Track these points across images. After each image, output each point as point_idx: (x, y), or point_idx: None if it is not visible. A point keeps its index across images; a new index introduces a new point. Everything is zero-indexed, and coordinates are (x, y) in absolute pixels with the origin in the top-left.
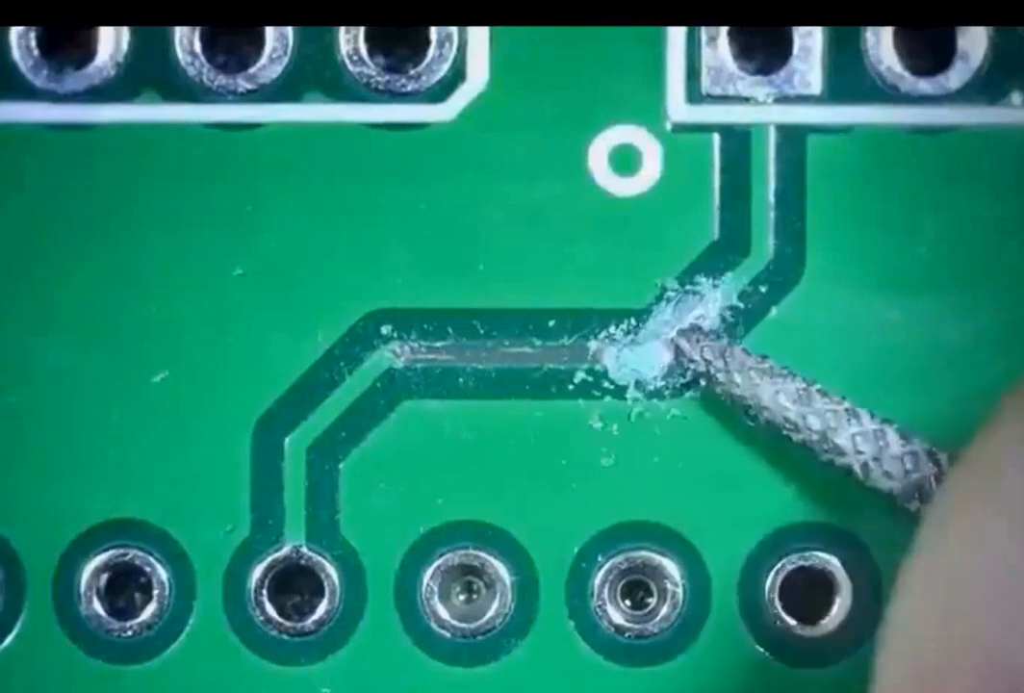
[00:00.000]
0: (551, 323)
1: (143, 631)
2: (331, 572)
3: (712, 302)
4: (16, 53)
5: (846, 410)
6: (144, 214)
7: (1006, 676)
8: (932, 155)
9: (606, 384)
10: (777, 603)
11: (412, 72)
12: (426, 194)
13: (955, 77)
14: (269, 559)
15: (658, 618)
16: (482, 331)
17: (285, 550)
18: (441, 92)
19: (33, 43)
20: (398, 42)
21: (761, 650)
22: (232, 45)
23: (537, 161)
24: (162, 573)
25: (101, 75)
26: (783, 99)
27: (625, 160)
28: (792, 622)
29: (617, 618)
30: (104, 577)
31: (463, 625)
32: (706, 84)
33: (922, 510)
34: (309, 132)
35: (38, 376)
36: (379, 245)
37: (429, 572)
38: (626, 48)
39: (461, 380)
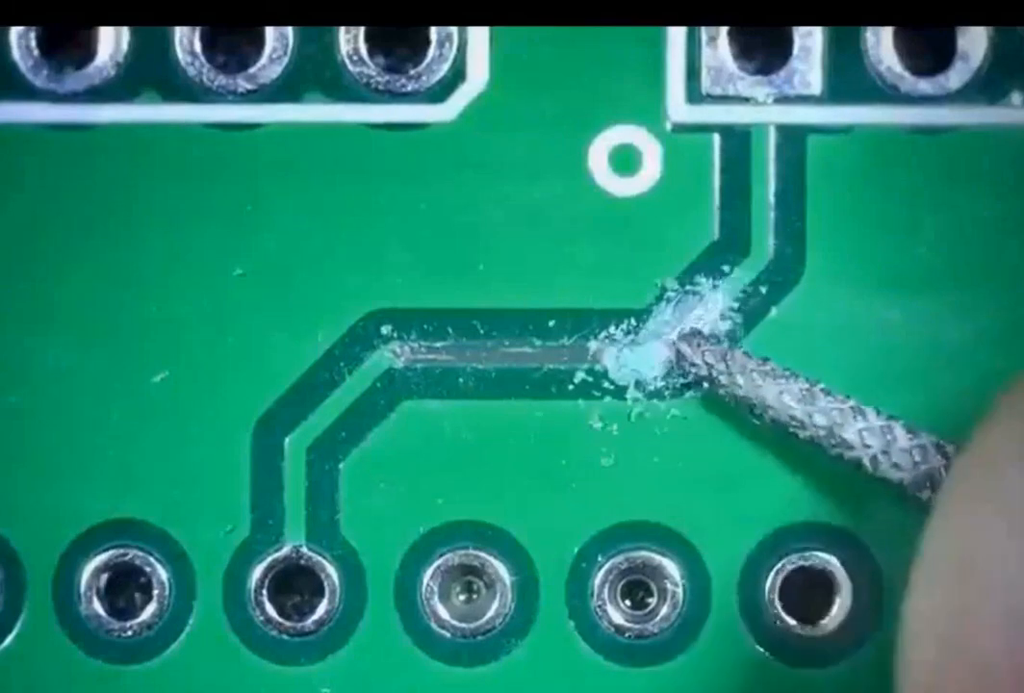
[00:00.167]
0: (551, 323)
1: (143, 631)
2: (331, 572)
3: (712, 302)
4: (16, 53)
5: (851, 408)
6: (144, 214)
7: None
8: (932, 155)
9: (606, 384)
10: (777, 603)
11: (412, 72)
12: (426, 194)
13: (955, 77)
14: (269, 559)
15: (658, 618)
16: (482, 331)
17: (285, 550)
18: (441, 92)
19: (33, 43)
20: (398, 42)
21: (761, 650)
22: (232, 45)
23: (537, 161)
24: (162, 573)
25: (101, 75)
26: (783, 99)
27: (625, 160)
28: (792, 622)
29: (617, 618)
30: (104, 577)
31: (463, 625)
32: (706, 84)
33: (933, 499)
34: (309, 132)
35: (38, 376)
36: (379, 245)
37: (429, 572)
38: (626, 48)
39: (461, 380)
